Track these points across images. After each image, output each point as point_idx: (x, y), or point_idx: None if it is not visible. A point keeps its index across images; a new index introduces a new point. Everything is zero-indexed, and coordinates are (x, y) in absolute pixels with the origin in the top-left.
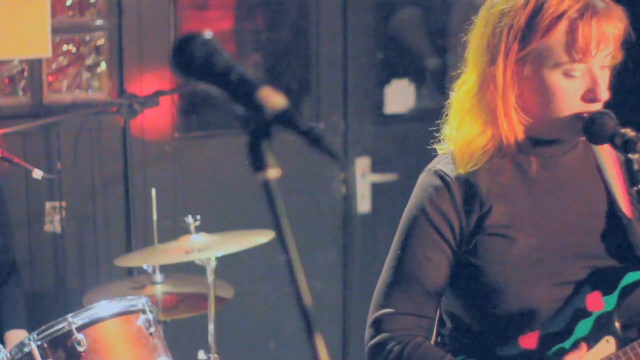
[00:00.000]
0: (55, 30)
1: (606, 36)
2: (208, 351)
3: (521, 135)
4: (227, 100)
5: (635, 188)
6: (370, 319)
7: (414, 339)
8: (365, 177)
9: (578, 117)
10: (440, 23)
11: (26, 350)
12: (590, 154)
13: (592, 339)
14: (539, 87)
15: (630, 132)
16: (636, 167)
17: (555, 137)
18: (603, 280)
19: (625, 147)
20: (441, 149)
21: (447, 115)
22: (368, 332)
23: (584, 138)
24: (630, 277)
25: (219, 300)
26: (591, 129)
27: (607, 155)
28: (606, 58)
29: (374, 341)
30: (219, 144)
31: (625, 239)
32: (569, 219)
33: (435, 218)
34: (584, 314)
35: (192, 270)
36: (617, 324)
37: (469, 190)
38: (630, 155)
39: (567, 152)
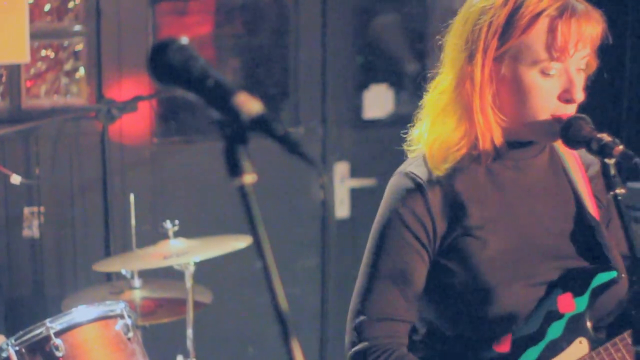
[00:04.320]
0: (33, 36)
1: (584, 36)
2: (186, 356)
3: (498, 137)
4: (204, 105)
5: (612, 192)
6: (349, 326)
7: (397, 348)
8: (343, 182)
9: (554, 119)
10: (418, 28)
11: (4, 355)
12: (556, 157)
13: (564, 341)
14: (516, 84)
15: (606, 137)
16: (612, 172)
17: (530, 139)
18: (573, 282)
19: (601, 151)
20: (411, 151)
21: (418, 118)
22: (347, 339)
23: (558, 141)
24: (600, 278)
25: (197, 304)
26: (567, 132)
27: (571, 158)
28: (582, 59)
29: (354, 349)
30: (198, 150)
31: (593, 240)
32: (539, 220)
33: (409, 219)
34: (555, 315)
35: (171, 275)
36: (589, 325)
37: (441, 192)
38: (606, 160)
39: (537, 154)
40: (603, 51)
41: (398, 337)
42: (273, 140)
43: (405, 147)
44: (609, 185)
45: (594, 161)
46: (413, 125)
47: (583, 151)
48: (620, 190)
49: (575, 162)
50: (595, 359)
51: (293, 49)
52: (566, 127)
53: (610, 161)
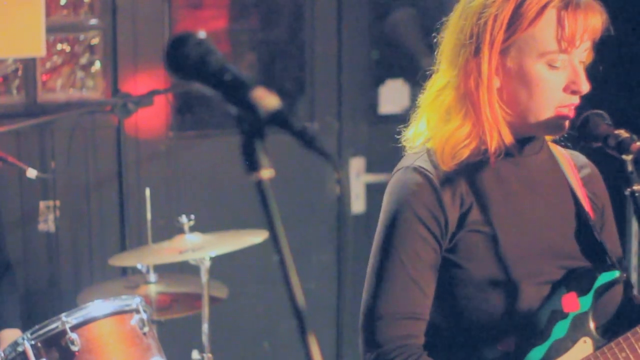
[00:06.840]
0: (50, 29)
1: (589, 27)
2: (201, 351)
3: (505, 132)
4: (221, 100)
5: (629, 189)
6: (364, 326)
7: (419, 351)
8: (359, 177)
9: (558, 115)
10: (434, 22)
11: (20, 349)
12: (552, 156)
13: (569, 340)
14: (522, 77)
15: (623, 133)
16: (629, 169)
17: (533, 133)
18: (578, 281)
19: (618, 148)
20: (412, 147)
21: (414, 114)
22: (363, 340)
23: (561, 134)
24: (604, 278)
25: (212, 299)
26: (584, 129)
27: (564, 159)
28: (584, 51)
29: (378, 351)
30: (213, 144)
31: (593, 239)
32: (542, 217)
33: (422, 213)
34: (560, 315)
35: (186, 269)
36: (593, 325)
37: (449, 186)
38: (623, 156)
39: (538, 151)
40: (619, 47)
41: (417, 337)
42: (290, 135)
43: (405, 144)
44: (627, 182)
45: (586, 163)
46: (408, 125)
47: (575, 153)
48: (638, 187)
49: (568, 163)
50: (600, 358)
51: (309, 43)
52: (583, 123)
53: (628, 158)
